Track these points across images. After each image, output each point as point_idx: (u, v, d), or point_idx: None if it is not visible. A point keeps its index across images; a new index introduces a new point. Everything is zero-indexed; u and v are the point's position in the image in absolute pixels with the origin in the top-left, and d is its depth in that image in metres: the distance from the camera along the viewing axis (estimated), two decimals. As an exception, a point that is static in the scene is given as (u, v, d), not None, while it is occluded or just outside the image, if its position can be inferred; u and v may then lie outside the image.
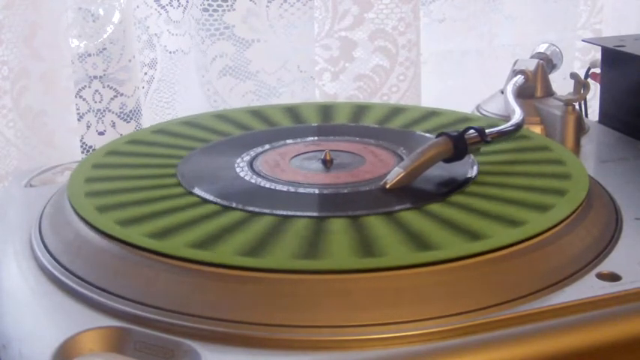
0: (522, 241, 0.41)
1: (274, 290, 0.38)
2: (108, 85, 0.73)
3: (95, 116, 0.74)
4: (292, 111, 0.64)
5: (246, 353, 0.36)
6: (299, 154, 0.54)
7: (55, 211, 0.48)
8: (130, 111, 0.74)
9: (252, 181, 0.50)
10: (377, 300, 0.38)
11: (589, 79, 0.70)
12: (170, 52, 0.79)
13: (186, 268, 0.40)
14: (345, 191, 0.48)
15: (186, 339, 0.36)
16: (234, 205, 0.46)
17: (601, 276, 0.41)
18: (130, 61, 0.73)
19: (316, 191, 0.48)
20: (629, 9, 0.93)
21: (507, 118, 0.57)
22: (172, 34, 0.78)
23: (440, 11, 0.88)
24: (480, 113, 0.66)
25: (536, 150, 0.55)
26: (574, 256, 0.42)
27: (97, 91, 0.73)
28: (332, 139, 0.57)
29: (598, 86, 0.70)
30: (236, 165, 0.52)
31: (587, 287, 0.40)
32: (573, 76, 0.62)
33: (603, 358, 0.37)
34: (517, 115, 0.56)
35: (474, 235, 0.42)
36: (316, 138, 0.58)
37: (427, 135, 0.57)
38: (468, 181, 0.49)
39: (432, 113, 0.63)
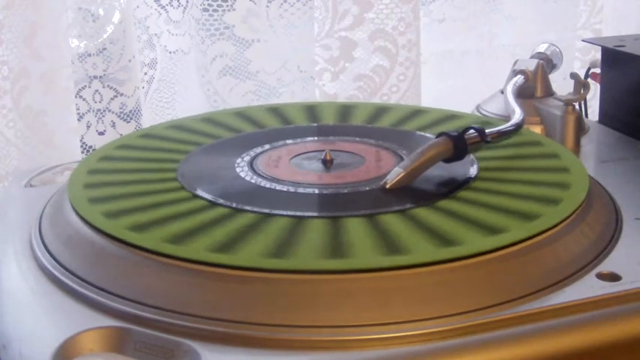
0: (522, 241, 0.41)
1: (274, 290, 0.38)
2: (108, 85, 0.73)
3: (95, 116, 0.74)
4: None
5: (246, 353, 0.36)
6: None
7: (55, 211, 0.48)
8: (130, 111, 0.74)
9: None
10: (377, 300, 0.38)
11: (589, 79, 0.70)
12: (170, 52, 0.79)
13: (186, 268, 0.40)
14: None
15: (186, 339, 0.36)
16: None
17: (601, 276, 0.41)
18: (130, 61, 0.73)
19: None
20: (629, 9, 0.93)
21: (507, 118, 0.57)
22: (172, 34, 0.78)
23: (440, 11, 0.88)
24: (480, 113, 0.66)
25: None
26: (574, 256, 0.42)
27: (97, 91, 0.73)
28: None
29: (598, 86, 0.70)
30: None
31: (587, 287, 0.40)
32: (573, 76, 0.62)
33: (603, 358, 0.37)
34: (517, 115, 0.56)
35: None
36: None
37: (427, 135, 0.57)
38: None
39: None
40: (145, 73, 0.77)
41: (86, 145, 0.74)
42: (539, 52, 0.70)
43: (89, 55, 0.72)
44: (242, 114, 0.63)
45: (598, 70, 0.70)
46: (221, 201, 0.46)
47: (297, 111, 0.64)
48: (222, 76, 0.77)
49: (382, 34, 0.79)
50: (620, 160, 0.58)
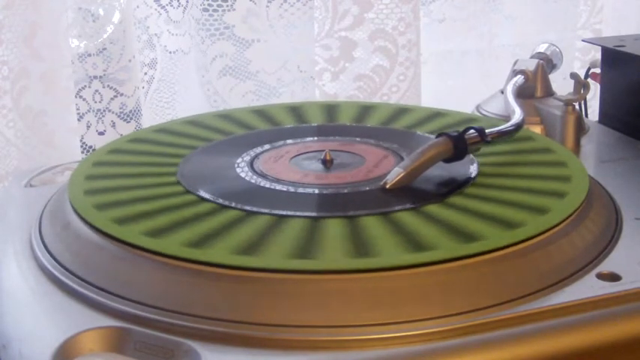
0: (522, 241, 0.41)
1: (274, 290, 0.38)
2: (108, 85, 0.73)
3: (95, 116, 0.74)
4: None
5: (246, 353, 0.36)
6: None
7: (55, 211, 0.48)
8: (130, 111, 0.74)
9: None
10: (377, 300, 0.38)
11: (589, 79, 0.70)
12: (170, 52, 0.79)
13: (186, 268, 0.40)
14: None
15: (186, 339, 0.36)
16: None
17: (601, 276, 0.41)
18: (130, 61, 0.73)
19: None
20: (629, 9, 0.93)
21: (507, 118, 0.57)
22: (172, 34, 0.78)
23: (440, 11, 0.88)
24: (480, 113, 0.66)
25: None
26: (574, 256, 0.42)
27: (97, 91, 0.73)
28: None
29: (598, 86, 0.70)
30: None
31: (587, 287, 0.40)
32: (573, 76, 0.62)
33: (603, 358, 0.37)
34: (517, 115, 0.56)
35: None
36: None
37: (427, 135, 0.57)
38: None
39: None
40: (145, 73, 0.77)
41: (86, 145, 0.74)
42: (539, 52, 0.70)
43: (89, 55, 0.72)
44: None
45: (598, 70, 0.70)
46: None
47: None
48: (222, 76, 0.77)
49: (382, 34, 0.79)
50: (620, 160, 0.58)
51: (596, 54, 0.78)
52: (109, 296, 0.40)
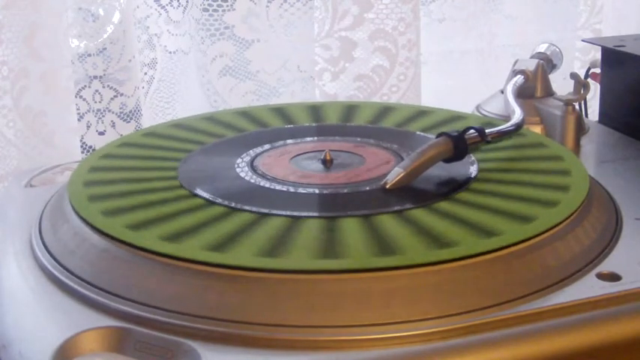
0: (522, 241, 0.41)
1: (274, 290, 0.38)
2: (108, 85, 0.73)
3: (95, 116, 0.74)
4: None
5: (246, 353, 0.36)
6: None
7: (55, 211, 0.48)
8: (130, 111, 0.74)
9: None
10: (377, 300, 0.38)
11: (589, 79, 0.70)
12: (170, 52, 0.79)
13: (186, 268, 0.40)
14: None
15: (186, 339, 0.36)
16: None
17: (601, 276, 0.41)
18: (130, 61, 0.73)
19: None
20: (629, 9, 0.93)
21: (507, 118, 0.57)
22: (172, 34, 0.78)
23: (440, 11, 0.88)
24: (480, 113, 0.66)
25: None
26: (574, 256, 0.42)
27: (97, 91, 0.73)
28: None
29: (598, 86, 0.70)
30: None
31: (587, 287, 0.40)
32: (573, 76, 0.62)
33: (603, 358, 0.37)
34: (517, 115, 0.56)
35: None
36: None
37: (427, 135, 0.57)
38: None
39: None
40: (145, 73, 0.77)
41: (86, 145, 0.74)
42: (539, 52, 0.70)
43: (89, 55, 0.72)
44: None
45: (598, 70, 0.70)
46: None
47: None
48: (222, 76, 0.77)
49: (382, 34, 0.79)
50: (620, 160, 0.58)
51: (596, 54, 0.78)
52: (109, 296, 0.40)
